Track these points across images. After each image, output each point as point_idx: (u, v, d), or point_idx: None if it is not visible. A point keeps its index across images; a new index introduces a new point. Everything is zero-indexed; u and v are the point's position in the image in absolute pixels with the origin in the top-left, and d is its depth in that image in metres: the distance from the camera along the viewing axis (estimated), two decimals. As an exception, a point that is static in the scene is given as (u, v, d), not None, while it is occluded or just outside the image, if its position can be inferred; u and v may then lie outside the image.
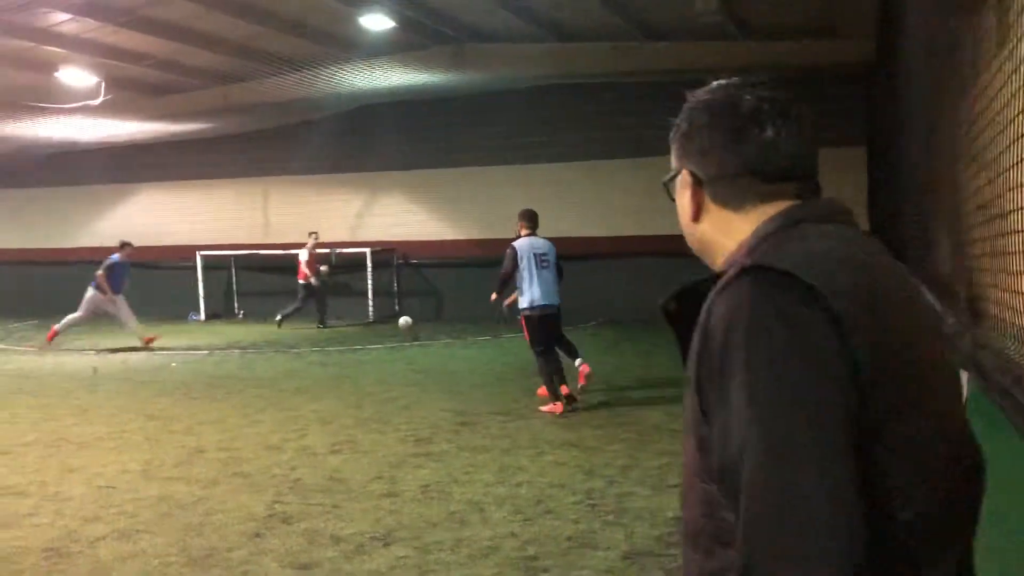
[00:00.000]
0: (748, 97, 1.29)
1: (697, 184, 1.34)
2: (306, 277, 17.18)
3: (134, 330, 14.86)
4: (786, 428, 1.02)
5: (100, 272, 14.57)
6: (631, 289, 17.28)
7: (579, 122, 17.43)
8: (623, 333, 15.37)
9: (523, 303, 8.84)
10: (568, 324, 16.39)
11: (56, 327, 14.81)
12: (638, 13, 12.86)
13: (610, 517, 5.31)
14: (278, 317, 17.12)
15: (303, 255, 17.23)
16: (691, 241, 1.40)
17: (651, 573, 4.38)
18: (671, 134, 1.41)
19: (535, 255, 8.82)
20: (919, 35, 6.75)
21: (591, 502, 5.62)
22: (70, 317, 14.77)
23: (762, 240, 1.23)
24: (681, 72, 14.57)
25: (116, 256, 14.75)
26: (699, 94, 1.37)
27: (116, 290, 14.60)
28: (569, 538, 4.94)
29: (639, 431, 7.67)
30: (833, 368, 1.04)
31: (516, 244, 8.96)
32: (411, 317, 16.07)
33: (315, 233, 17.53)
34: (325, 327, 17.37)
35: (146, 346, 14.68)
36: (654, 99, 16.45)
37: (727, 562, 1.09)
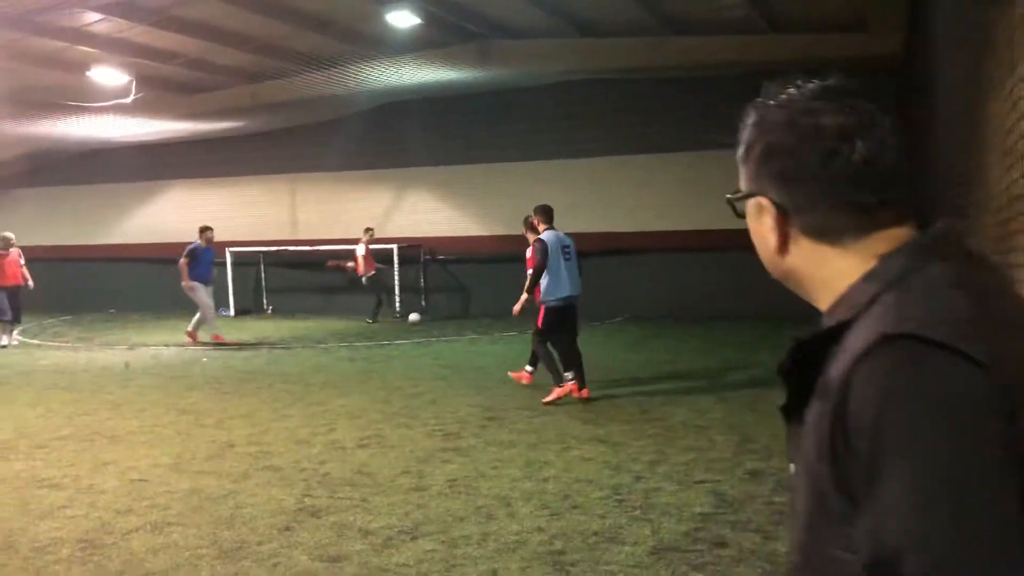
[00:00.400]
0: (831, 109, 1.13)
1: (781, 213, 1.18)
2: (365, 271, 17.28)
3: (208, 322, 14.48)
4: (965, 529, 0.92)
5: (182, 259, 14.23)
6: (656, 285, 17.26)
7: (604, 117, 17.39)
8: (649, 329, 15.33)
9: (549, 294, 8.95)
10: (594, 320, 16.51)
11: (189, 329, 14.50)
12: (664, 7, 12.80)
13: (637, 512, 5.30)
14: (369, 320, 17.27)
15: (360, 250, 17.34)
16: (776, 273, 1.26)
17: (678, 568, 4.38)
18: (740, 152, 1.24)
19: (561, 247, 9.05)
20: (951, 28, 6.68)
21: (618, 497, 5.62)
22: (198, 315, 14.44)
23: (887, 287, 1.07)
24: (708, 67, 14.52)
25: (197, 241, 14.45)
26: (771, 109, 1.20)
27: (201, 279, 14.20)
28: (596, 533, 4.95)
29: (666, 427, 7.66)
30: (1008, 455, 0.93)
31: (544, 238, 9.04)
32: (432, 313, 16.20)
33: (371, 228, 17.57)
34: (375, 322, 17.39)
35: (215, 343, 14.35)
36: (680, 94, 16.51)
37: None
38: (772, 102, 1.20)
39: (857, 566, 1.00)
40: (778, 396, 1.17)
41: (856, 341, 1.02)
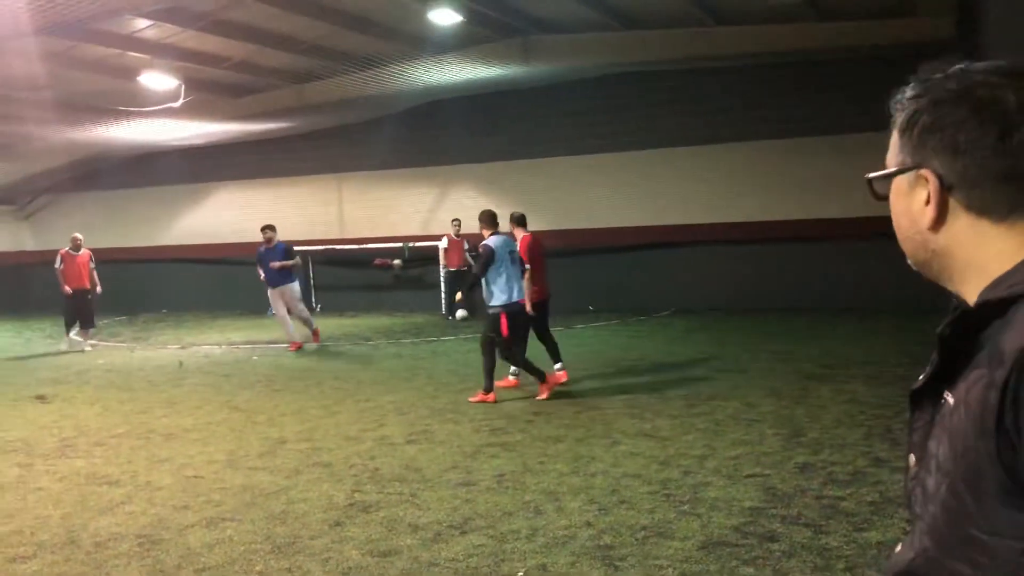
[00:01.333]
0: (1010, 85, 1.12)
1: (943, 187, 1.16)
2: (454, 265, 17.31)
3: (284, 326, 13.97)
4: None
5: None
6: (704, 278, 17.13)
7: (648, 110, 17.28)
8: (696, 322, 15.21)
9: (501, 300, 8.87)
10: (640, 314, 16.43)
11: (297, 339, 13.99)
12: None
13: (686, 507, 5.28)
14: (457, 316, 17.23)
15: (444, 244, 17.35)
16: (920, 252, 1.21)
17: (728, 563, 4.35)
18: (899, 123, 1.20)
19: (508, 252, 8.94)
20: (1002, 10, 6.52)
21: (666, 492, 5.60)
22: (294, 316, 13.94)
23: None
24: (754, 56, 14.33)
25: (262, 247, 14.05)
26: (940, 82, 1.18)
27: (272, 281, 13.76)
28: (644, 528, 4.94)
29: (714, 421, 7.60)
30: None
31: (490, 243, 8.95)
32: (479, 309, 16.15)
33: (457, 220, 17.49)
34: (453, 318, 17.29)
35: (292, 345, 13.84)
36: (725, 85, 16.34)
37: None
38: (939, 76, 1.18)
39: (1017, 552, 0.98)
40: (892, 382, 1.18)
41: None
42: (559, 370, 9.91)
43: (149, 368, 12.52)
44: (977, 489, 1.01)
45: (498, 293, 8.85)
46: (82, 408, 9.55)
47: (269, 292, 13.85)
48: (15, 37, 10.52)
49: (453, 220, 17.57)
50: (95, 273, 14.93)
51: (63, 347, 14.73)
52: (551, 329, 10.26)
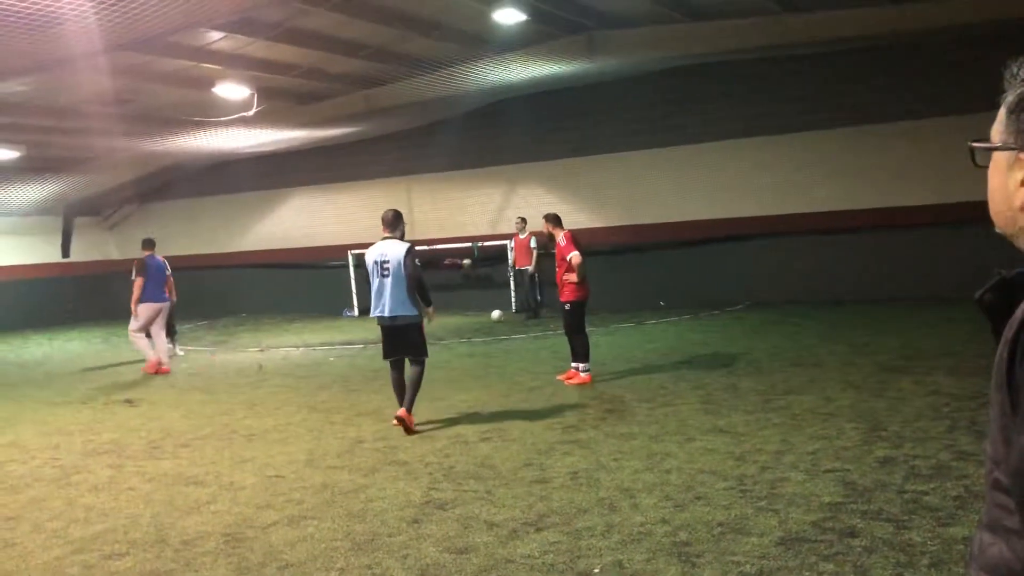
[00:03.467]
0: None
1: None
2: (520, 264, 17.44)
3: (142, 346, 13.29)
4: None
5: None
6: (777, 270, 16.84)
7: (714, 102, 17.07)
8: (770, 315, 14.97)
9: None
10: (713, 308, 16.24)
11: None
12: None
13: (763, 503, 5.22)
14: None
15: (511, 244, 17.50)
16: (1009, 226, 1.24)
17: (807, 559, 4.29)
18: (1009, 102, 1.21)
19: (379, 263, 8.02)
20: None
21: (743, 488, 5.54)
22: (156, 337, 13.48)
23: None
24: (825, 44, 14.02)
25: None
26: None
27: (155, 297, 13.25)
28: (721, 524, 4.90)
29: (791, 415, 7.48)
30: None
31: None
32: (548, 307, 16.17)
33: (520, 219, 17.54)
34: (538, 316, 17.32)
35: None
36: (792, 74, 16.03)
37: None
38: None
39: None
40: (975, 373, 1.28)
41: None
42: (585, 371, 9.86)
43: (230, 371, 12.87)
44: (1003, 436, 1.11)
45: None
46: (168, 411, 9.88)
47: (144, 307, 13.06)
48: (91, 55, 10.92)
49: (517, 219, 17.62)
50: (171, 280, 14.75)
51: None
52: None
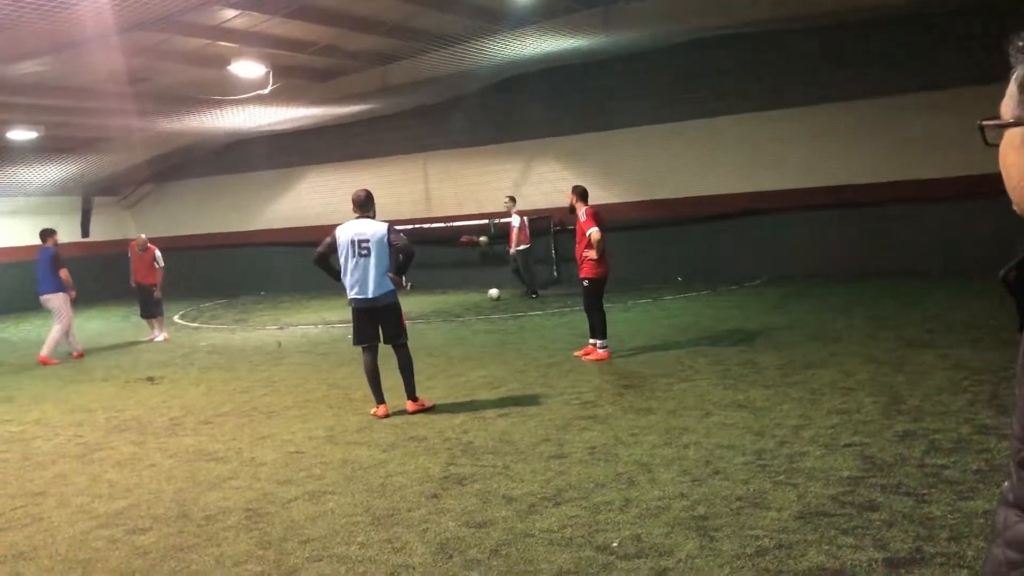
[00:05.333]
0: None
1: None
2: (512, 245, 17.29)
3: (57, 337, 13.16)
4: None
5: None
6: (797, 244, 16.74)
7: (733, 75, 16.90)
8: (790, 289, 14.89)
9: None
10: (731, 283, 16.17)
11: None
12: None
13: (781, 477, 5.21)
14: (531, 294, 17.21)
15: (514, 221, 17.09)
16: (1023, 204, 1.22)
17: (826, 532, 4.29)
18: (1018, 77, 1.20)
19: (356, 241, 7.67)
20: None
21: (761, 462, 5.53)
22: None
23: None
24: (847, 14, 13.82)
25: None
26: None
27: (52, 287, 13.16)
28: (740, 498, 4.90)
29: (810, 390, 7.46)
30: None
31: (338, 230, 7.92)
32: (565, 284, 16.18)
33: (508, 198, 17.38)
34: (536, 296, 17.19)
35: None
36: (813, 46, 15.82)
37: None
38: None
39: None
40: (997, 346, 1.28)
41: None
42: (602, 347, 9.85)
43: (249, 349, 12.96)
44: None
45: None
46: (188, 388, 9.97)
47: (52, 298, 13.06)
48: (107, 34, 10.92)
49: (506, 198, 17.35)
50: (158, 265, 14.88)
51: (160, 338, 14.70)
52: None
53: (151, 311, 14.95)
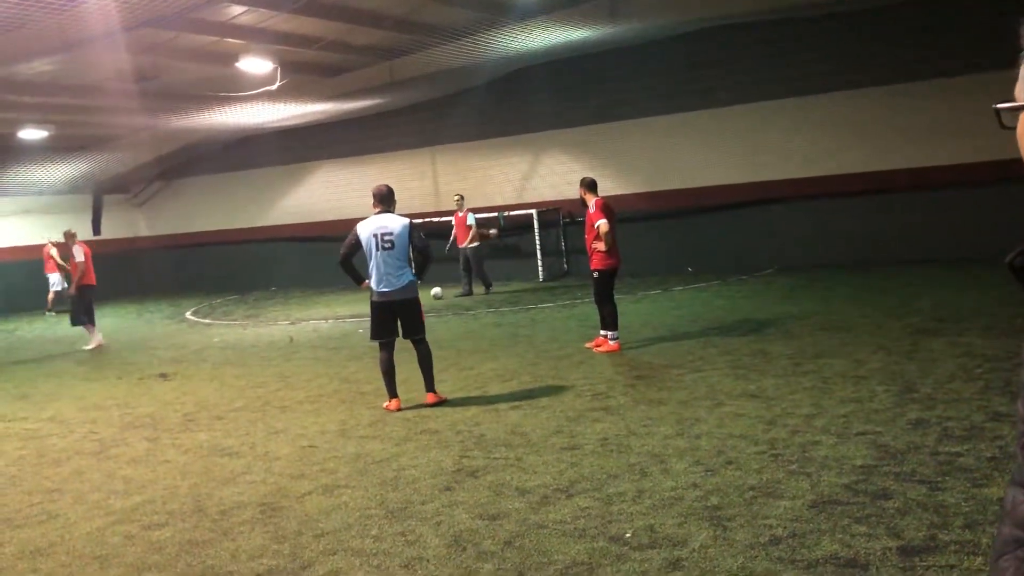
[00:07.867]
0: None
1: None
2: (460, 242, 17.33)
3: None
4: None
5: None
6: (806, 233, 16.68)
7: (740, 64, 16.83)
8: (800, 279, 14.85)
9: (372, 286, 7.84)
10: (742, 272, 16.13)
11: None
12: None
13: (794, 466, 5.21)
14: (467, 292, 17.32)
15: (470, 219, 17.40)
16: None
17: (840, 521, 4.28)
18: None
19: (379, 235, 7.69)
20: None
21: (774, 452, 5.53)
22: None
23: None
24: (854, 1, 13.75)
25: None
26: None
27: None
28: (752, 488, 4.90)
29: (822, 379, 7.44)
30: None
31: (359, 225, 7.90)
32: (575, 276, 16.18)
33: (458, 196, 17.57)
34: (487, 292, 17.38)
35: None
36: (821, 34, 15.74)
37: None
38: None
39: None
40: (1010, 333, 1.27)
41: None
42: (613, 339, 9.84)
43: (261, 344, 13.00)
44: None
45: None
46: (201, 384, 10.02)
47: None
48: (115, 32, 10.96)
49: (456, 196, 17.51)
50: (77, 264, 13.90)
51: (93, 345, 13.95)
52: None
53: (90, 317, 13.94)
